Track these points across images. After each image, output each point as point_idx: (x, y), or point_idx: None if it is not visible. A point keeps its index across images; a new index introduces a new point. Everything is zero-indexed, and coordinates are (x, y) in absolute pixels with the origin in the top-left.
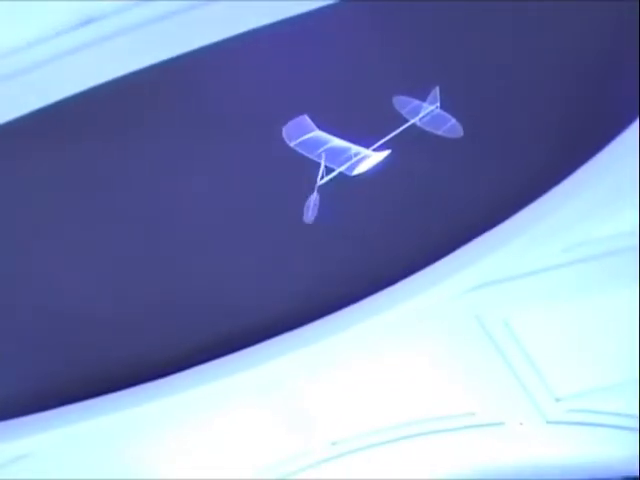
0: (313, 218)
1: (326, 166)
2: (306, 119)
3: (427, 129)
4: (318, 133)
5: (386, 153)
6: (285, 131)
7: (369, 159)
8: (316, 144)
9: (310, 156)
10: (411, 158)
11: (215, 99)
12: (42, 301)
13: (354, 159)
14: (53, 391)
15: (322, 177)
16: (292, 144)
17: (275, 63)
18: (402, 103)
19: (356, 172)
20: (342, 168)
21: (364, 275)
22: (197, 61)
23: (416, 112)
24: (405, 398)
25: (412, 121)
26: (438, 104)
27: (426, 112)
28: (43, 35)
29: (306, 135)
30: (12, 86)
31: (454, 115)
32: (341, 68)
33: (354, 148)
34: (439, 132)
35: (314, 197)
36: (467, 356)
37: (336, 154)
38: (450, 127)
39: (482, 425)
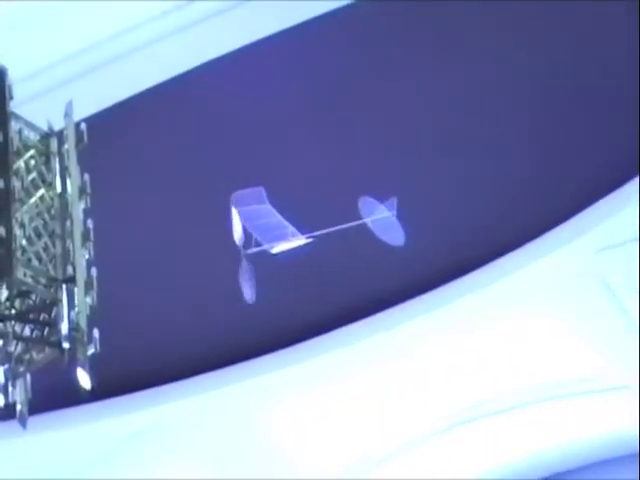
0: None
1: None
2: (262, 192)
3: (374, 231)
4: (266, 207)
5: (307, 241)
6: (234, 196)
7: (292, 242)
8: (257, 215)
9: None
10: None
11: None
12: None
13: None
14: (184, 361)
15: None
16: (235, 209)
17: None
18: (364, 202)
19: (275, 251)
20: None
21: (501, 234)
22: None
23: (371, 212)
24: (529, 363)
25: (364, 220)
26: (394, 212)
27: (380, 216)
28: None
29: (253, 206)
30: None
31: None
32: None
33: (291, 229)
34: (382, 237)
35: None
36: (592, 318)
37: (270, 230)
38: (394, 236)
39: (606, 389)
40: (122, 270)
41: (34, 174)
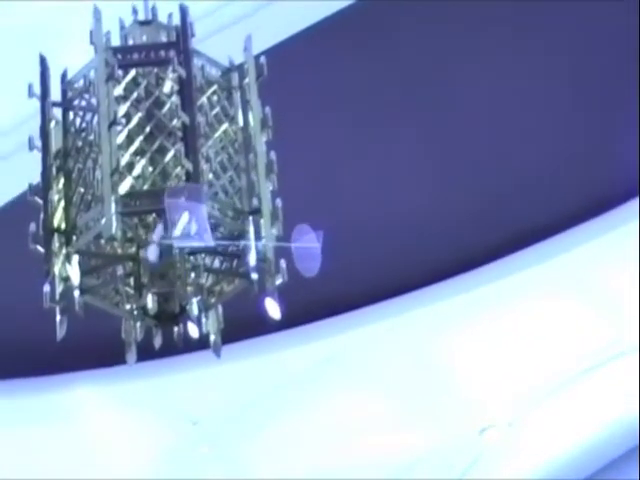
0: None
1: None
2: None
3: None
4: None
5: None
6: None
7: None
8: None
9: None
10: None
11: None
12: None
13: None
14: (362, 289)
15: None
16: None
17: None
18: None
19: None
20: None
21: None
22: None
23: (299, 240)
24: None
25: (290, 244)
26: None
27: (305, 245)
28: None
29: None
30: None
31: None
32: None
33: None
34: (298, 264)
35: None
36: None
37: None
38: (310, 266)
39: None
40: (302, 200)
41: (217, 109)
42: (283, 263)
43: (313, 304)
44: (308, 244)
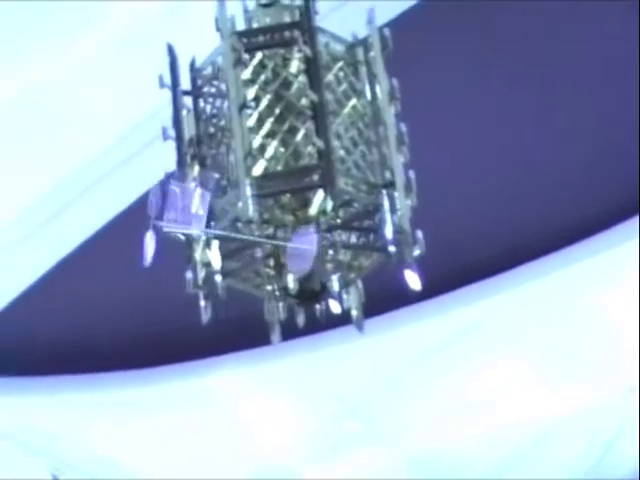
0: None
1: None
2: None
3: (287, 254)
4: None
5: None
6: None
7: None
8: None
9: None
10: None
11: None
12: None
13: None
14: (497, 253)
15: None
16: None
17: None
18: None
19: None
20: None
21: None
22: None
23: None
24: None
25: (286, 244)
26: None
27: (299, 245)
28: None
29: None
30: None
31: None
32: None
33: None
34: (288, 261)
35: None
36: None
37: None
38: (299, 266)
39: None
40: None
41: (344, 85)
42: (420, 234)
43: (451, 273)
44: (303, 245)
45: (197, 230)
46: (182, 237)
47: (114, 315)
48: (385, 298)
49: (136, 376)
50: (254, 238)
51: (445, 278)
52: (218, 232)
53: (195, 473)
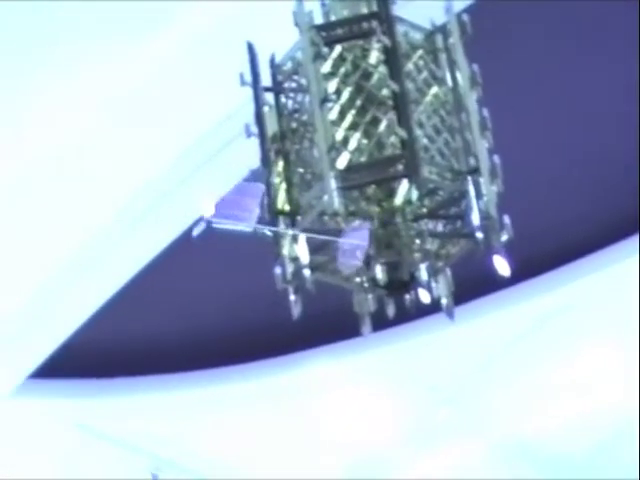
0: None
1: None
2: None
3: (339, 248)
4: None
5: None
6: None
7: None
8: None
9: None
10: None
11: None
12: None
13: None
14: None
15: None
16: None
17: None
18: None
19: None
20: None
21: None
22: None
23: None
24: None
25: (338, 239)
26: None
27: (351, 241)
28: None
29: None
30: None
31: None
32: None
33: None
34: (340, 257)
35: None
36: None
37: None
38: (349, 261)
39: None
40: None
41: (425, 73)
42: (507, 219)
43: (537, 257)
44: (355, 240)
45: (245, 226)
46: (269, 233)
47: (207, 313)
48: (473, 285)
49: (232, 372)
50: (306, 233)
51: (532, 262)
52: (266, 228)
53: (290, 470)
